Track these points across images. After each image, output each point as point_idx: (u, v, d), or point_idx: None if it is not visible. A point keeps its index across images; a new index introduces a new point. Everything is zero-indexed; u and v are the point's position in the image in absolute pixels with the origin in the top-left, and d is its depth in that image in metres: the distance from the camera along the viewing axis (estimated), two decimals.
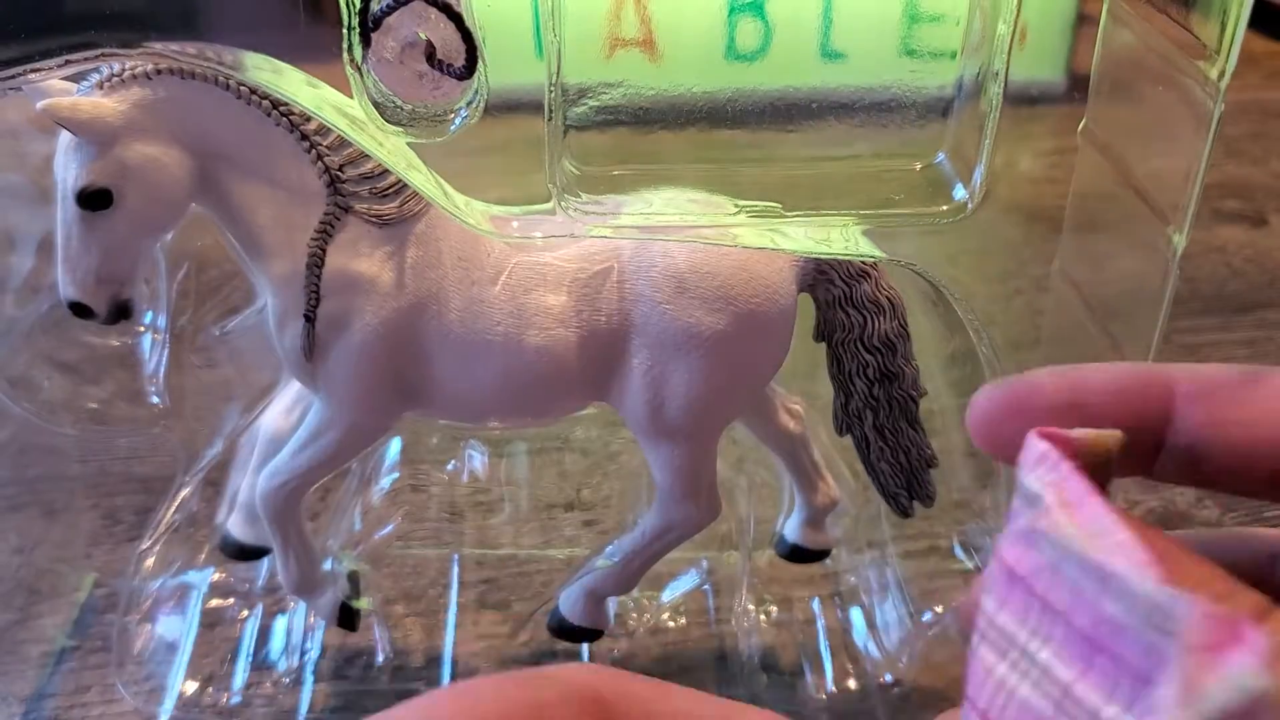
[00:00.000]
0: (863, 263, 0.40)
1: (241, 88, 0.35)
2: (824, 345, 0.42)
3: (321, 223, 0.37)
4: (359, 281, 0.37)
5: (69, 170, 0.35)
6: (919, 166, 0.38)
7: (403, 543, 0.52)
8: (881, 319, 0.40)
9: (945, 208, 0.36)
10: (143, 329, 0.45)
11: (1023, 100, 0.36)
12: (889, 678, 0.47)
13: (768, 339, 0.39)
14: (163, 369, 0.46)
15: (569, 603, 0.44)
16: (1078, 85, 0.41)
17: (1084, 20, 0.43)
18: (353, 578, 0.47)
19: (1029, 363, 0.46)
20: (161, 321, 0.45)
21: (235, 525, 0.45)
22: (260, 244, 0.37)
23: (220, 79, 0.35)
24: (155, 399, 0.46)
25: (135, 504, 0.53)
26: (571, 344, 0.38)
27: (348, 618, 0.45)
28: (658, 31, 0.34)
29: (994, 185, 0.36)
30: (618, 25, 0.34)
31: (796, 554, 0.47)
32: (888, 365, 0.41)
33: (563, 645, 0.46)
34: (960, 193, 0.36)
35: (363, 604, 0.46)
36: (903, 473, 0.42)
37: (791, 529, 0.47)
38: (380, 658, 0.47)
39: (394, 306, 0.37)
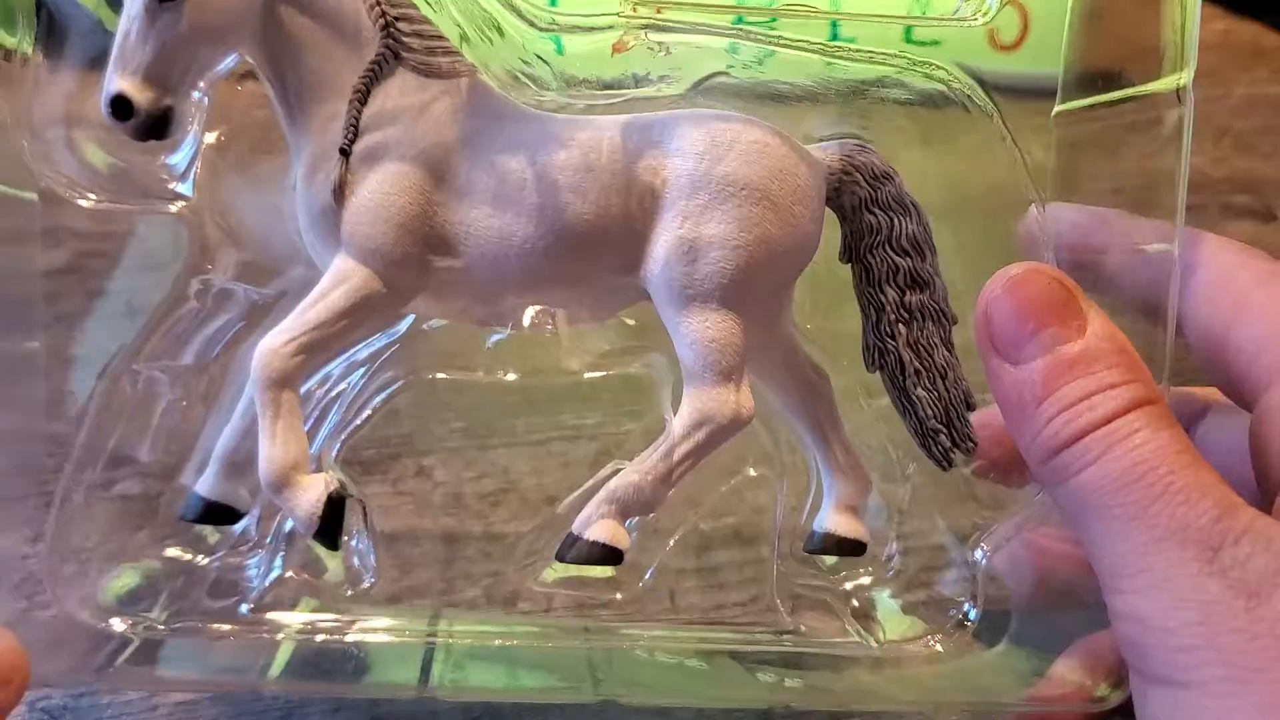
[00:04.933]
0: (886, 166, 0.41)
1: None
2: (850, 276, 0.42)
3: (371, 63, 0.39)
4: (399, 117, 0.39)
5: None
6: None
7: (409, 532, 0.52)
8: (908, 220, 0.41)
9: None
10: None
11: (1031, 94, 0.36)
12: None
13: (801, 203, 0.40)
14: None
15: (584, 518, 0.41)
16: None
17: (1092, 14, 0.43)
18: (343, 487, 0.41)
19: None
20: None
21: (206, 482, 0.42)
22: (306, 85, 0.39)
23: None
24: None
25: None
26: (606, 190, 0.39)
27: (334, 513, 0.39)
28: None
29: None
30: None
31: (829, 544, 0.44)
32: (917, 270, 0.41)
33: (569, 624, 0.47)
34: None
35: (353, 494, 0.42)
36: (940, 402, 0.41)
37: (821, 518, 0.45)
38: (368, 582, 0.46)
39: (432, 141, 0.39)
